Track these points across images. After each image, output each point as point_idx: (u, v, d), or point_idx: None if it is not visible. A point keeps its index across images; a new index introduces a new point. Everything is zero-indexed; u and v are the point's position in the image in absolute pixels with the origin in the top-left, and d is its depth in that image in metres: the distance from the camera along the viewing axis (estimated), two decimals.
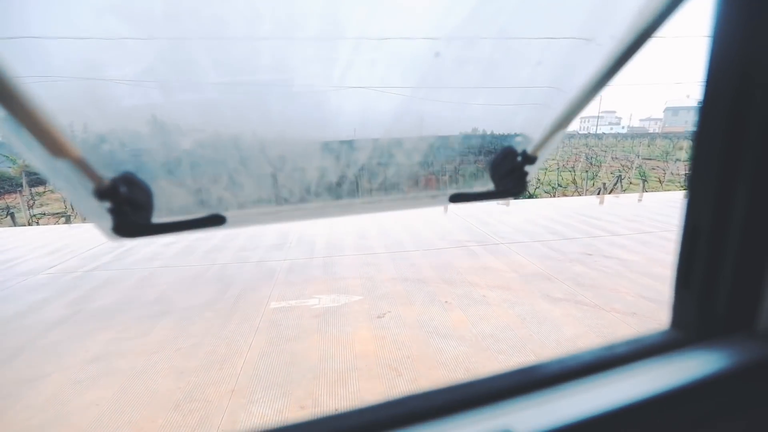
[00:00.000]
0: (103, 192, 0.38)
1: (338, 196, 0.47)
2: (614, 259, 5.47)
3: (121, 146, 0.40)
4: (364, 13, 0.39)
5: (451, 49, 0.42)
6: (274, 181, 0.45)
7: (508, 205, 9.76)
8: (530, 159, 0.51)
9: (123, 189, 0.39)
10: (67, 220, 10.72)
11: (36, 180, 20.09)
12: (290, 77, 0.43)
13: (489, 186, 0.52)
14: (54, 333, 3.83)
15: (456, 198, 0.51)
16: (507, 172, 0.50)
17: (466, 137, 0.50)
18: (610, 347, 0.53)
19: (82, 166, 0.36)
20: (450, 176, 0.52)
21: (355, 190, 0.48)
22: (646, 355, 0.52)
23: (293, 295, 4.53)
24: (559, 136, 0.50)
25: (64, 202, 15.78)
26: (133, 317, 4.10)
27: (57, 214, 13.55)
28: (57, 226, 9.61)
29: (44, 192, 19.21)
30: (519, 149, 0.50)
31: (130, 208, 0.39)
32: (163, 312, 4.20)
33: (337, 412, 0.43)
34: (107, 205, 0.38)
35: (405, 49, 0.43)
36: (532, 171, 0.51)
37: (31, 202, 15.59)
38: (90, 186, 0.37)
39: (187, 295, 4.67)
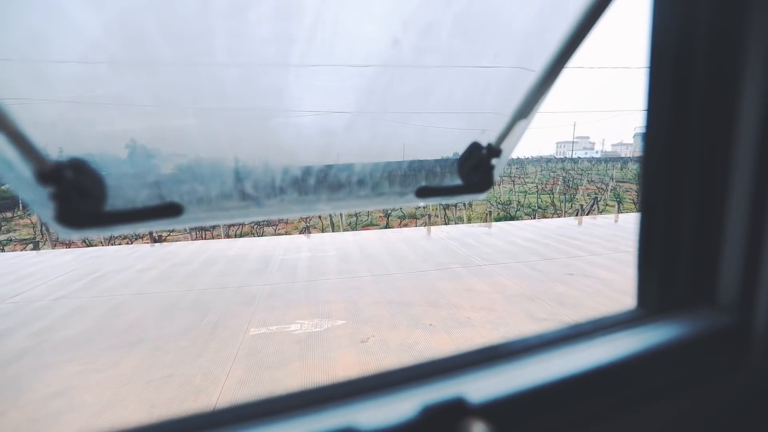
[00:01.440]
0: (44, 175, 0.34)
1: (304, 193, 0.46)
2: (594, 278, 5.55)
3: (66, 131, 0.37)
4: None
5: (409, 37, 0.42)
6: (236, 175, 0.43)
7: (489, 227, 9.89)
8: (495, 152, 0.50)
9: (69, 174, 0.35)
10: (36, 247, 10.24)
11: (4, 205, 19.26)
12: (246, 60, 0.42)
13: (457, 182, 0.52)
14: (13, 367, 3.56)
15: (423, 192, 0.50)
16: (473, 166, 0.50)
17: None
18: (574, 325, 0.52)
19: (19, 142, 0.33)
20: (416, 173, 0.52)
21: (320, 187, 0.46)
22: (609, 330, 0.52)
23: (274, 321, 4.39)
24: (521, 126, 0.50)
25: (34, 228, 15.12)
26: (101, 348, 3.87)
27: (24, 240, 12.95)
28: (24, 252, 9.15)
29: (12, 218, 18.40)
30: (484, 143, 0.50)
31: (76, 195, 0.36)
32: (135, 341, 3.98)
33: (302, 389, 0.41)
34: (50, 190, 0.35)
35: (362, 33, 0.42)
36: (499, 165, 0.51)
37: None
38: (30, 168, 0.34)
39: (162, 323, 4.46)
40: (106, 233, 0.41)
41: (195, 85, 0.41)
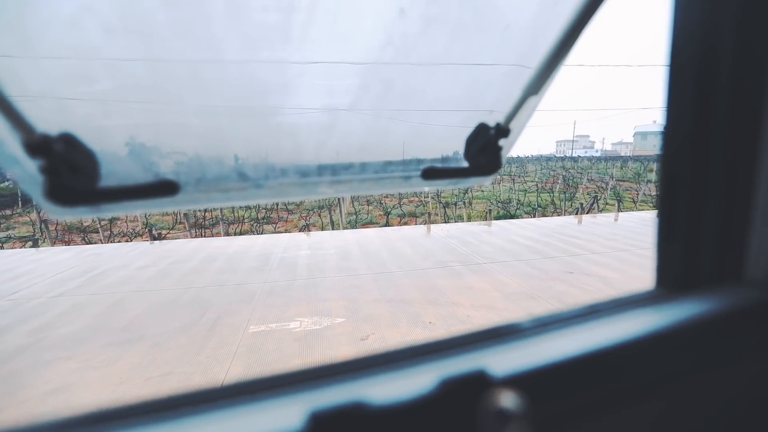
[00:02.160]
0: (33, 146, 0.32)
1: (305, 175, 0.44)
2: (594, 276, 5.54)
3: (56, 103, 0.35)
4: None
5: (416, 8, 0.40)
6: (235, 157, 0.41)
7: (489, 225, 9.88)
8: (503, 131, 0.48)
9: (59, 147, 0.34)
10: (35, 244, 10.22)
11: (3, 203, 19.24)
12: (247, 56, 0.40)
13: (464, 165, 0.50)
14: (11, 363, 3.55)
15: (429, 174, 0.48)
16: (481, 148, 0.48)
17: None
18: (592, 305, 0.50)
19: (6, 110, 0.31)
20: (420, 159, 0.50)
21: (322, 170, 0.45)
22: (628, 308, 0.50)
23: (273, 319, 4.38)
24: (531, 104, 0.48)
25: (33, 226, 15.10)
26: (100, 345, 3.86)
27: (23, 237, 12.93)
28: (23, 250, 9.14)
29: (12, 215, 18.38)
30: (492, 123, 0.48)
31: (66, 170, 0.34)
32: (134, 339, 3.97)
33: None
34: (39, 163, 0.33)
35: (369, 7, 0.41)
36: (507, 145, 0.49)
37: None
38: (18, 138, 0.32)
39: (161, 320, 4.45)
40: (99, 213, 0.39)
41: (194, 77, 0.40)
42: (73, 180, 0.35)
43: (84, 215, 0.38)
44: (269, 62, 0.41)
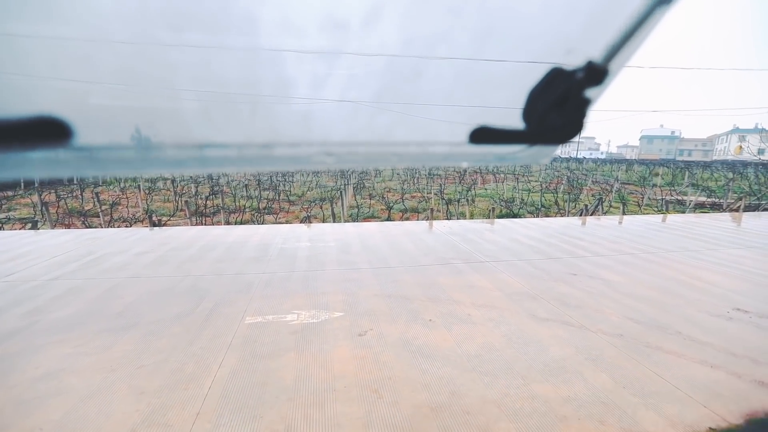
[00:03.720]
0: None
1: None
2: (598, 279, 5.45)
3: None
4: None
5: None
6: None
7: (492, 224, 9.77)
8: (598, 73, 0.32)
9: None
10: (34, 226, 10.17)
11: (4, 185, 19.21)
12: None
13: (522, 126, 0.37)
14: (2, 347, 3.49)
15: (478, 135, 0.36)
16: (554, 103, 0.35)
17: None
18: None
19: None
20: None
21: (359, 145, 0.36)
22: None
23: (270, 310, 4.31)
24: (652, 21, 0.32)
25: (34, 207, 15.07)
26: (93, 330, 3.79)
27: (23, 219, 12.89)
28: (22, 231, 9.08)
29: (14, 196, 18.36)
30: (570, 66, 0.34)
31: None
32: (128, 325, 3.90)
33: None
34: None
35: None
36: (595, 97, 0.34)
37: None
38: None
39: (156, 307, 4.38)
40: None
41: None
42: None
43: None
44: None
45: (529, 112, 0.36)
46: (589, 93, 0.34)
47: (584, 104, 0.34)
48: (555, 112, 0.35)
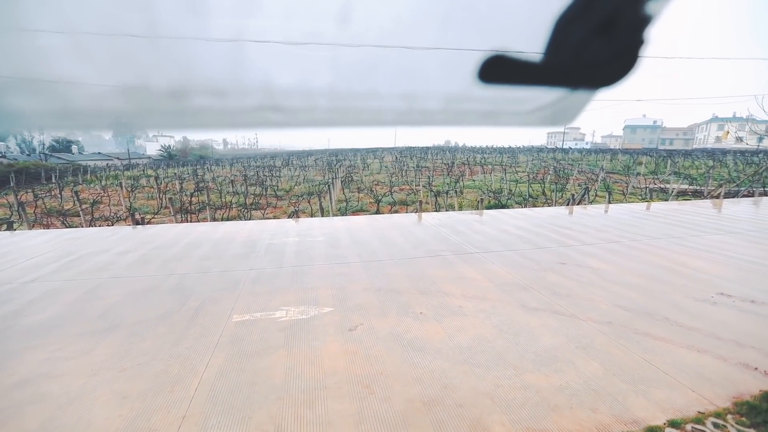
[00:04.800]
0: None
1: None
2: (586, 268, 5.49)
3: None
4: None
5: None
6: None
7: (481, 215, 9.78)
8: None
9: None
10: (10, 227, 9.81)
11: None
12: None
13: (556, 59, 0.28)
14: None
15: (492, 70, 0.28)
16: (598, 29, 0.26)
17: None
18: None
19: None
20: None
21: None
22: None
23: (258, 307, 4.22)
24: None
25: (10, 208, 14.53)
26: (73, 333, 3.65)
27: None
28: None
29: None
30: None
31: None
32: (110, 327, 3.77)
33: None
34: None
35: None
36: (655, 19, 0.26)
37: None
38: None
39: (140, 308, 4.24)
40: None
41: None
42: None
43: None
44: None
45: (557, 43, 0.28)
46: (650, 7, 0.26)
47: (641, 24, 0.26)
48: (597, 41, 0.28)
